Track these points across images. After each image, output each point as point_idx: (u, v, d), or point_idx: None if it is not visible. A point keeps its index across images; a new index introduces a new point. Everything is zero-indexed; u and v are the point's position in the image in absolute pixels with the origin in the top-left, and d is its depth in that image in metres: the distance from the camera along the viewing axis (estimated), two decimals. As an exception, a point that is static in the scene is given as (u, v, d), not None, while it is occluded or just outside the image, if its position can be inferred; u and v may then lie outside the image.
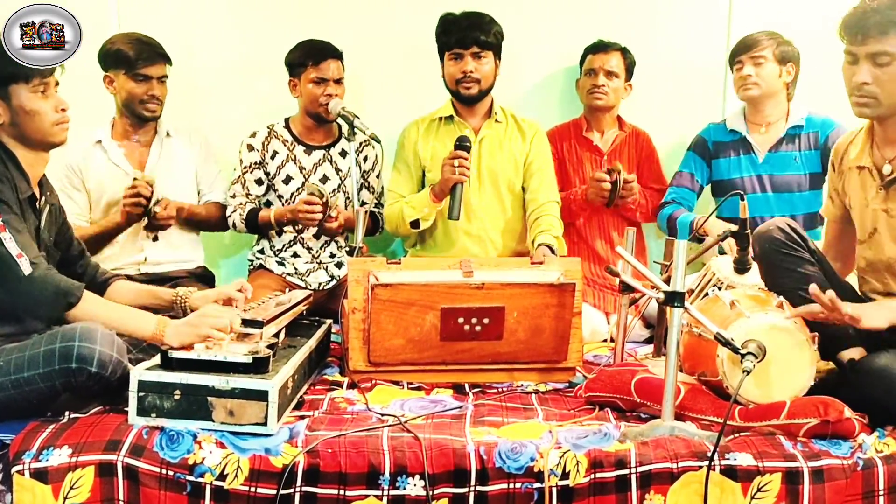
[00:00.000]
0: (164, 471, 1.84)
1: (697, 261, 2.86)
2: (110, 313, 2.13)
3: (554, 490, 1.87)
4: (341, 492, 1.85)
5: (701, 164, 3.35)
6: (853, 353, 2.17)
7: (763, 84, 3.18)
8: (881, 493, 1.93)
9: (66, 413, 2.00)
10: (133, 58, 2.99)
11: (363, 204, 3.22)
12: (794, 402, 2.04)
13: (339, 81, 3.18)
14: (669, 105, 3.59)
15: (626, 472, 1.89)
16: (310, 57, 3.15)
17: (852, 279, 2.46)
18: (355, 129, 2.99)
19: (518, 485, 1.87)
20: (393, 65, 3.52)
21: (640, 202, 3.31)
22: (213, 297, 2.42)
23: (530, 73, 3.60)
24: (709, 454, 1.88)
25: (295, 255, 3.28)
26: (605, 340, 3.10)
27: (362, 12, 3.50)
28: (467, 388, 2.42)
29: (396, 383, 2.45)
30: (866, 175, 2.28)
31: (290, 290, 2.82)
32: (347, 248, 2.86)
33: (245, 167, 3.25)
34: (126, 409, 1.95)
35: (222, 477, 1.84)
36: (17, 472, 1.82)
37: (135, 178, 2.96)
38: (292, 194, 3.22)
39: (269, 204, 3.30)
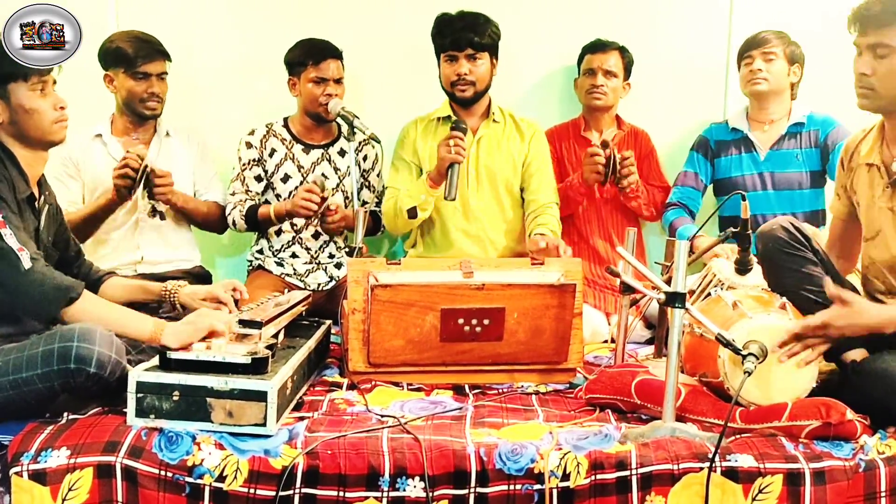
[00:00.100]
0: (162, 472, 1.83)
1: (698, 261, 2.86)
2: (108, 314, 2.12)
3: (554, 492, 1.86)
4: (341, 493, 1.84)
5: (704, 164, 3.36)
6: (855, 355, 2.16)
7: (771, 79, 3.20)
8: (883, 494, 1.92)
9: (65, 414, 1.99)
10: (132, 55, 2.98)
11: (363, 204, 3.22)
12: (795, 403, 2.03)
13: (338, 81, 3.17)
14: (670, 105, 3.59)
15: (626, 473, 1.88)
16: (310, 56, 3.14)
17: (852, 279, 2.46)
18: (355, 129, 2.99)
19: (518, 486, 1.87)
20: (393, 65, 3.51)
21: (642, 189, 3.30)
22: (202, 295, 2.43)
23: (529, 72, 3.59)
24: (710, 455, 1.87)
25: (294, 255, 3.28)
26: (606, 341, 3.10)
27: (362, 12, 3.49)
28: (467, 390, 2.42)
29: (396, 384, 2.44)
30: (875, 172, 2.28)
31: (288, 291, 2.81)
32: (347, 249, 2.86)
33: (244, 164, 3.24)
34: (125, 410, 1.94)
35: (221, 478, 1.83)
36: (16, 473, 1.81)
37: (127, 152, 2.92)
38: (290, 193, 3.22)
39: (267, 203, 3.29)
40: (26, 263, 2.04)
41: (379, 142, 3.01)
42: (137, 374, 1.93)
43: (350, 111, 3.03)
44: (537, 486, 1.86)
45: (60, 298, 2.06)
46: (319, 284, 3.25)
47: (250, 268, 3.35)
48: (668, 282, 2.07)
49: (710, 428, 2.03)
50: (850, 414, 1.99)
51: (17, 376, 1.93)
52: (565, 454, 1.89)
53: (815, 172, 3.25)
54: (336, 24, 3.39)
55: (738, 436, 2.00)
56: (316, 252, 3.29)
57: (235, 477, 1.83)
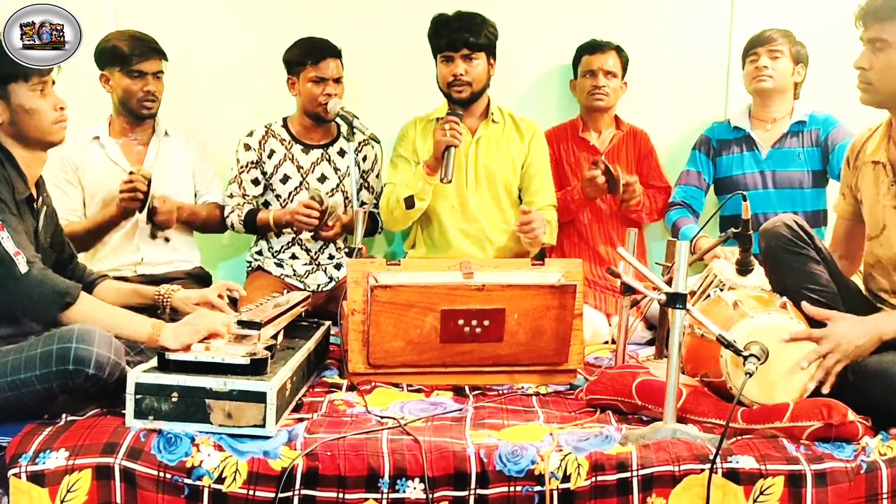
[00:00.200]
0: (161, 474, 1.82)
1: (699, 262, 2.85)
2: (106, 315, 2.11)
3: (555, 493, 1.85)
4: (340, 495, 1.84)
5: (707, 162, 3.37)
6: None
7: (777, 77, 3.20)
8: (884, 496, 1.91)
9: (63, 415, 1.98)
10: (127, 54, 2.98)
11: (363, 204, 3.21)
12: (797, 404, 2.02)
13: (338, 81, 3.16)
14: (671, 104, 3.59)
15: (627, 475, 1.87)
16: (309, 55, 3.13)
17: (854, 279, 2.45)
18: (354, 130, 2.98)
19: (519, 488, 1.86)
20: (392, 65, 3.51)
21: (644, 203, 3.30)
22: (195, 300, 2.43)
23: (528, 72, 3.58)
24: (711, 457, 1.87)
25: (293, 256, 3.27)
26: (607, 342, 3.09)
27: (362, 12, 3.48)
28: (467, 391, 2.41)
29: (396, 385, 2.44)
30: (880, 170, 2.28)
31: (288, 292, 2.80)
32: (347, 250, 2.85)
33: (241, 167, 3.24)
34: (123, 411, 1.93)
35: (220, 480, 1.82)
36: (14, 475, 1.80)
37: (131, 172, 2.92)
38: (290, 193, 3.21)
39: (266, 204, 3.28)
40: (22, 268, 2.03)
41: (378, 142, 3.00)
42: (136, 375, 1.92)
43: (349, 111, 3.02)
44: (538, 488, 1.85)
45: (58, 302, 2.06)
46: (319, 285, 3.24)
47: (250, 269, 3.35)
48: (669, 283, 2.06)
49: (712, 429, 2.03)
50: (851, 415, 1.98)
51: (16, 377, 1.92)
52: (566, 455, 1.88)
53: (816, 172, 3.25)
54: (336, 24, 3.39)
55: (739, 437, 1.99)
56: (315, 253, 3.28)
57: (234, 478, 1.82)
